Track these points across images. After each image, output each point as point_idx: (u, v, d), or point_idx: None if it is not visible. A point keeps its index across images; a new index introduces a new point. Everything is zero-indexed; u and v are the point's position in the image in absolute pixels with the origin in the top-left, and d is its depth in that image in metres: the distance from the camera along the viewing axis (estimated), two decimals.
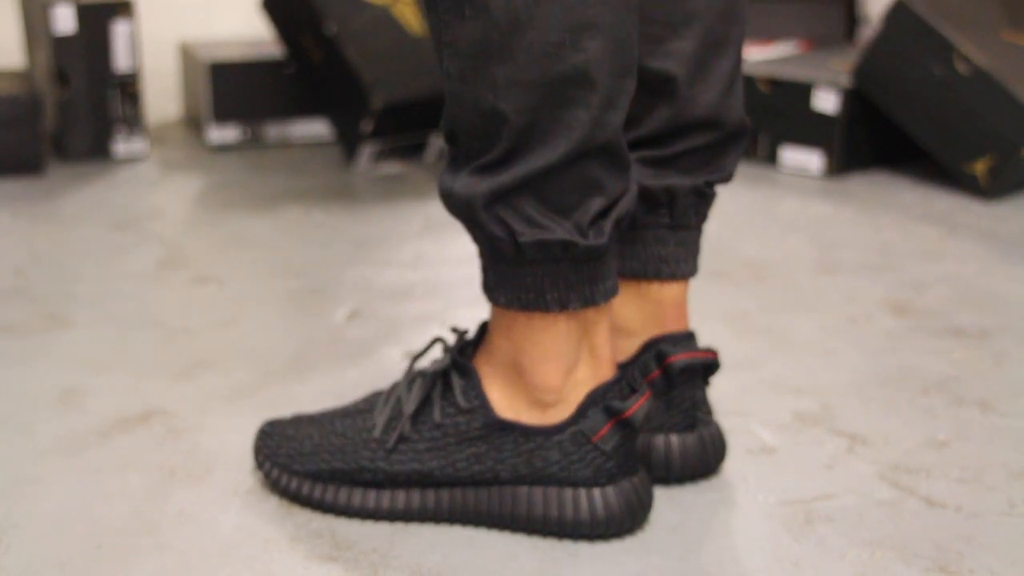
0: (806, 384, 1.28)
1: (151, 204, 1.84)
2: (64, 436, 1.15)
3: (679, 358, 1.06)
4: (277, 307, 1.46)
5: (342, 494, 1.02)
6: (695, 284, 1.54)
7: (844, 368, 1.32)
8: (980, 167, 1.87)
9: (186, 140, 2.18)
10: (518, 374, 0.98)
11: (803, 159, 2.02)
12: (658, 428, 1.07)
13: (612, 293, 0.96)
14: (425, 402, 1.01)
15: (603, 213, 0.93)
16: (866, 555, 0.98)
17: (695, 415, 1.08)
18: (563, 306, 0.94)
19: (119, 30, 2.00)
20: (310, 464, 1.03)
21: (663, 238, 1.06)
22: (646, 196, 1.05)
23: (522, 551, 0.98)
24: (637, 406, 0.97)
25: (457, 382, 1.00)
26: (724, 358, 1.32)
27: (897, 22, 1.92)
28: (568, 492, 0.98)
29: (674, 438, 1.07)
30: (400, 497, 1.01)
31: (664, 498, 1.06)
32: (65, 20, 1.97)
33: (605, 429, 0.97)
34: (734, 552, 0.99)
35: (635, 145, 1.05)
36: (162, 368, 1.30)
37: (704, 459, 1.08)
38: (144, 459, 1.11)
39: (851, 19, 2.45)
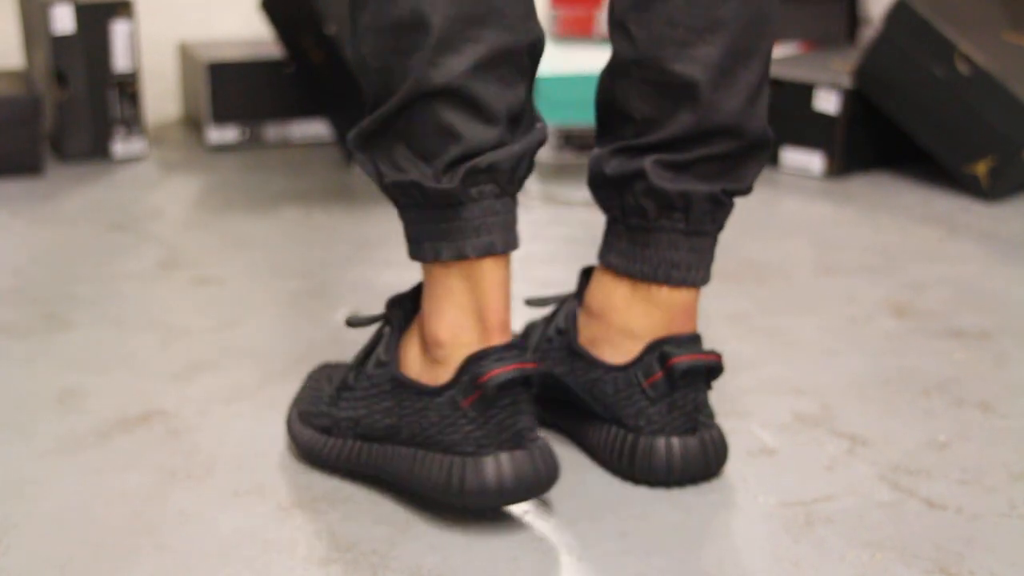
0: (806, 385, 1.28)
1: (150, 204, 1.84)
2: (64, 436, 1.15)
3: (682, 359, 1.06)
4: (277, 307, 1.46)
5: (306, 433, 1.09)
6: None
7: (844, 369, 1.32)
8: (981, 168, 1.87)
9: (185, 140, 2.18)
10: (421, 328, 1.02)
11: (804, 160, 2.02)
12: (659, 430, 1.07)
13: (488, 249, 0.97)
14: (369, 353, 1.06)
15: (459, 159, 0.96)
16: (866, 556, 0.98)
17: (697, 418, 1.07)
18: (436, 255, 0.98)
19: (118, 30, 2.00)
20: (301, 405, 1.12)
21: (676, 243, 1.06)
22: (662, 200, 1.05)
23: (522, 552, 0.98)
24: (494, 372, 0.96)
25: (384, 335, 1.04)
26: (724, 359, 1.32)
27: (898, 22, 1.92)
28: (443, 458, 0.99)
29: (675, 441, 1.07)
30: (339, 445, 1.06)
31: (664, 499, 1.06)
32: (64, 20, 1.97)
33: (473, 396, 0.97)
34: (734, 553, 0.99)
35: (655, 148, 1.05)
36: (162, 368, 1.29)
37: (705, 462, 1.07)
38: (144, 459, 1.11)
39: (852, 20, 2.45)
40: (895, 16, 1.92)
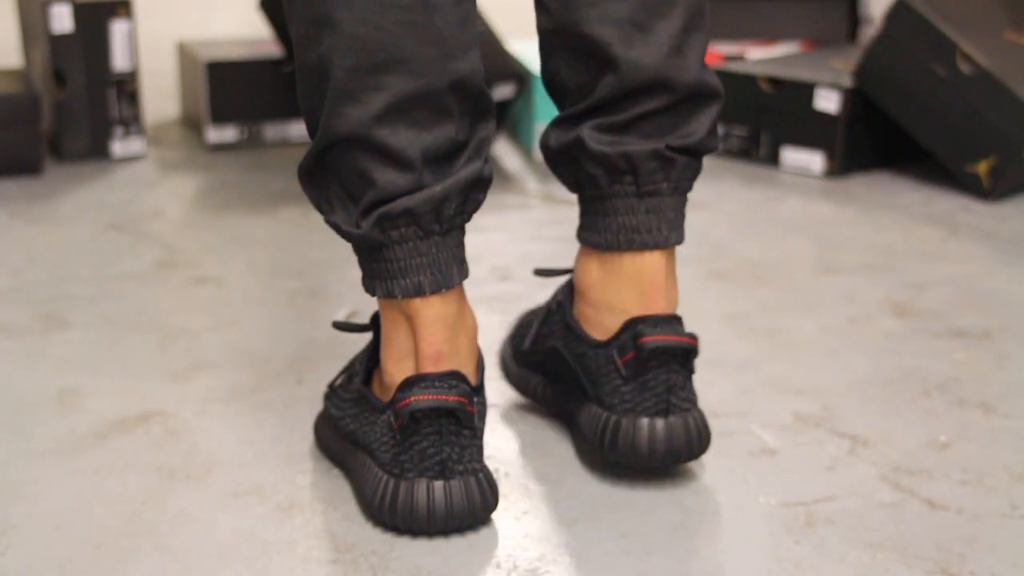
0: (807, 385, 1.27)
1: (149, 204, 1.84)
2: (62, 437, 1.15)
3: (652, 339, 1.04)
4: (276, 308, 1.46)
5: (320, 429, 1.13)
6: (695, 284, 1.53)
7: (845, 369, 1.31)
8: (982, 167, 1.87)
9: (184, 140, 2.18)
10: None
11: (804, 159, 2.02)
12: (631, 410, 1.05)
13: (416, 290, 0.98)
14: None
15: (374, 205, 0.97)
16: (867, 557, 0.98)
17: (668, 400, 1.05)
18: (372, 292, 1.01)
19: (117, 29, 2.00)
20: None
21: (632, 207, 1.05)
22: (606, 164, 1.05)
23: (522, 552, 0.98)
24: (410, 400, 0.97)
25: (367, 346, 1.08)
26: (724, 359, 1.32)
27: (899, 22, 1.92)
28: (378, 473, 1.01)
29: (644, 421, 1.04)
30: (334, 442, 1.10)
31: (664, 499, 1.06)
32: (63, 19, 1.96)
33: (399, 421, 0.99)
34: (734, 554, 0.99)
35: (590, 113, 1.05)
36: (160, 369, 1.29)
37: (676, 445, 1.05)
38: (143, 460, 1.11)
39: (853, 19, 2.45)
40: (896, 15, 1.92)
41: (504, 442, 1.15)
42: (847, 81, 1.97)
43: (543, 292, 1.48)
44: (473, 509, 0.99)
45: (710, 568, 0.97)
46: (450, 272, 1.00)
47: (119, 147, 2.04)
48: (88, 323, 1.40)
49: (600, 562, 0.97)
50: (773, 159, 2.05)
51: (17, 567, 0.95)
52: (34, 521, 1.01)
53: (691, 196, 1.90)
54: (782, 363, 1.33)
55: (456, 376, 0.99)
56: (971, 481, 1.09)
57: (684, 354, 1.05)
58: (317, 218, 1.77)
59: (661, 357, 1.04)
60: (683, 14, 1.03)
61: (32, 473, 1.09)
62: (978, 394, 1.26)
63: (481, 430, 1.01)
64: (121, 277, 1.54)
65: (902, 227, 1.77)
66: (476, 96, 0.99)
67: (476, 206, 1.01)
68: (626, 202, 1.05)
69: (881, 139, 2.03)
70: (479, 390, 1.02)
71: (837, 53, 2.18)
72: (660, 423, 1.04)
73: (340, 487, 1.07)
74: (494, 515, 1.03)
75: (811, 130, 2.00)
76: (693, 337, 1.06)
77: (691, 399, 1.07)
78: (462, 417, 0.98)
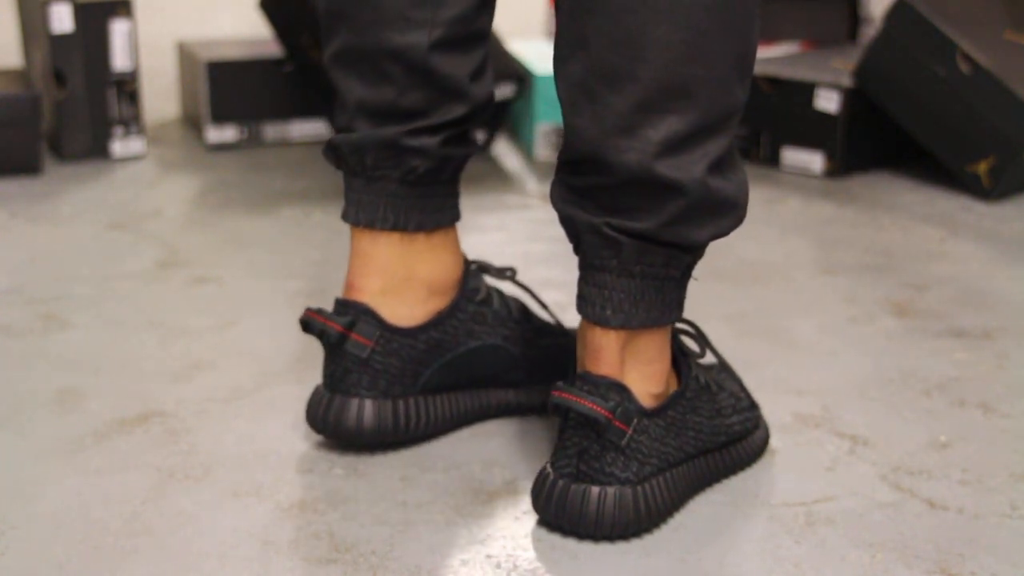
0: (807, 385, 1.27)
1: (149, 204, 1.83)
2: (62, 437, 1.15)
3: (558, 394, 0.98)
4: (276, 308, 1.46)
5: None
6: (695, 284, 1.53)
7: (845, 369, 1.31)
8: (982, 167, 1.87)
9: (184, 140, 2.18)
10: None
11: (804, 159, 2.02)
12: (552, 463, 1.01)
13: (343, 215, 1.11)
14: None
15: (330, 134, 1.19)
16: (867, 557, 0.98)
17: (578, 465, 0.98)
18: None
19: (117, 29, 2.00)
20: None
21: (583, 274, 1.00)
22: (561, 222, 1.01)
23: (521, 551, 0.98)
24: (304, 315, 1.11)
25: None
26: (724, 358, 1.32)
27: (899, 21, 1.92)
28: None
29: (553, 478, 1.00)
30: None
31: None
32: (63, 19, 1.96)
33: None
34: (734, 553, 0.99)
35: (560, 167, 1.01)
36: (160, 369, 1.29)
37: (579, 520, 0.98)
38: (142, 460, 1.11)
39: (853, 19, 2.45)
40: (896, 15, 1.92)
41: (504, 443, 1.15)
42: (847, 81, 1.97)
43: (541, 292, 1.48)
44: (336, 426, 1.11)
45: (710, 568, 0.97)
46: (376, 214, 1.09)
47: (119, 147, 2.04)
48: (88, 323, 1.40)
49: (600, 562, 0.97)
50: (773, 159, 2.05)
51: (17, 567, 0.95)
52: (34, 521, 1.01)
53: None
54: (782, 363, 1.33)
55: (350, 306, 1.10)
56: (971, 481, 1.09)
57: (594, 423, 0.96)
58: (317, 218, 1.77)
59: (576, 418, 0.98)
60: (642, 91, 0.92)
61: (32, 473, 1.09)
62: (978, 394, 1.26)
63: (361, 360, 1.10)
64: (121, 277, 1.54)
65: (902, 227, 1.77)
66: (424, 72, 1.05)
67: (410, 171, 1.08)
68: (581, 266, 1.01)
69: (881, 139, 2.03)
70: (359, 319, 1.10)
71: (837, 53, 2.18)
72: (560, 485, 0.99)
73: (340, 487, 1.07)
74: (494, 515, 1.03)
75: (811, 130, 2.00)
76: (606, 410, 0.96)
77: (609, 472, 0.98)
78: (332, 341, 1.09)
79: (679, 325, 1.08)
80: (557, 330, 1.21)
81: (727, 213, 0.97)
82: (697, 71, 0.92)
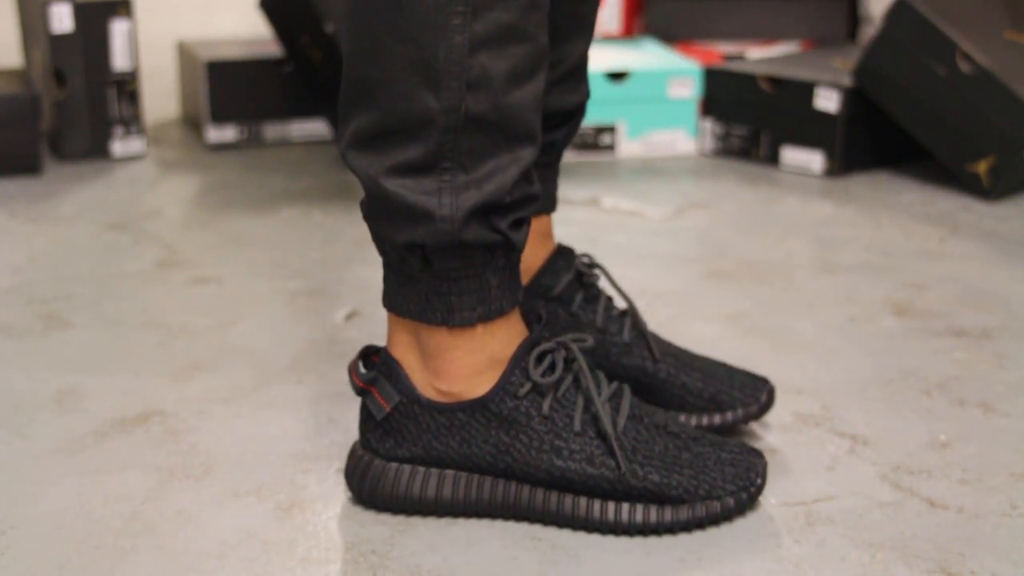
0: (807, 385, 1.27)
1: (149, 204, 1.83)
2: (62, 437, 1.15)
3: (353, 361, 1.08)
4: (276, 307, 1.46)
5: None
6: (695, 284, 1.53)
7: (845, 369, 1.31)
8: (982, 167, 1.87)
9: (184, 140, 2.18)
10: None
11: (804, 159, 2.02)
12: None
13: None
14: None
15: None
16: (867, 557, 0.98)
17: (361, 431, 1.07)
18: None
19: (117, 29, 2.00)
20: None
21: None
22: None
23: (521, 552, 0.98)
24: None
25: None
26: (724, 359, 1.32)
27: (899, 21, 1.92)
28: None
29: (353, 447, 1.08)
30: None
31: None
32: (63, 19, 1.96)
33: None
34: (735, 553, 0.98)
35: None
36: (160, 369, 1.29)
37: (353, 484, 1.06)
38: (142, 460, 1.11)
39: (853, 18, 2.45)
40: (896, 15, 1.92)
41: None
42: (847, 81, 1.97)
43: None
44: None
45: (710, 568, 0.97)
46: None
47: (119, 147, 2.04)
48: (88, 323, 1.40)
49: (600, 562, 0.97)
50: (773, 159, 2.05)
51: (17, 567, 0.95)
52: (33, 521, 1.01)
53: (691, 196, 1.90)
54: (782, 363, 1.33)
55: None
56: (971, 481, 1.09)
57: (359, 392, 1.04)
58: (317, 218, 1.77)
59: None
60: (345, 85, 0.97)
61: (32, 473, 1.09)
62: (978, 394, 1.26)
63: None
64: (121, 277, 1.54)
65: (902, 226, 1.77)
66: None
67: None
68: None
69: (881, 139, 2.03)
70: None
71: (837, 53, 2.18)
72: (351, 449, 1.07)
73: (340, 487, 1.07)
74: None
75: (811, 130, 2.00)
76: (365, 383, 1.03)
77: (366, 440, 1.04)
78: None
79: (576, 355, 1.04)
80: (647, 355, 1.16)
81: (419, 222, 0.95)
82: (373, 73, 0.93)
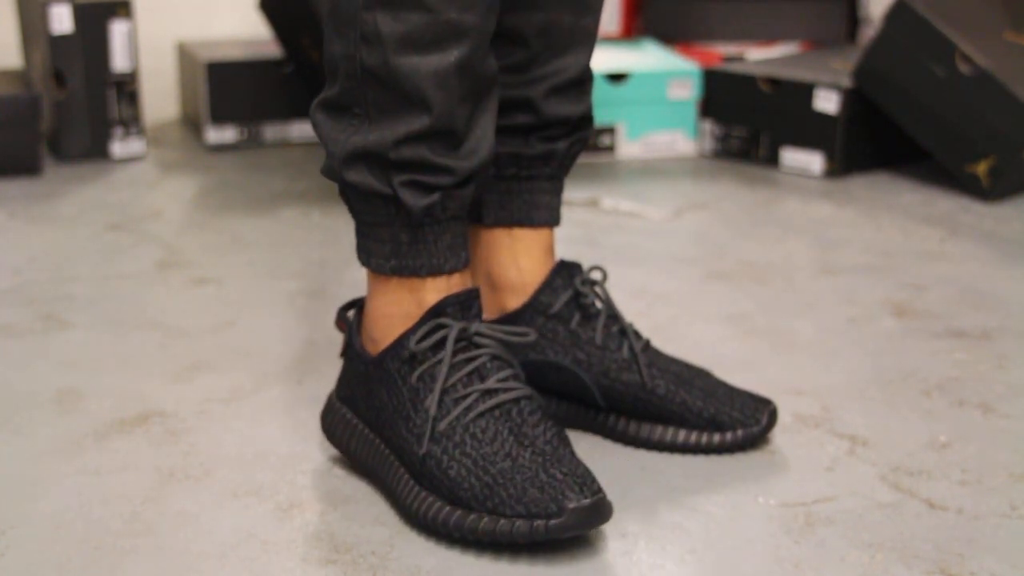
0: (806, 385, 1.27)
1: (149, 205, 1.83)
2: (62, 437, 1.15)
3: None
4: (276, 308, 1.46)
5: None
6: (695, 284, 1.53)
7: (845, 369, 1.31)
8: (982, 168, 1.87)
9: (184, 140, 2.18)
10: None
11: (804, 160, 2.02)
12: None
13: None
14: None
15: None
16: (867, 557, 0.98)
17: None
18: None
19: (117, 30, 2.00)
20: None
21: None
22: None
23: (522, 551, 0.98)
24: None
25: None
26: (724, 359, 1.32)
27: (898, 22, 1.92)
28: None
29: None
30: None
31: (665, 499, 1.06)
32: (62, 20, 1.96)
33: None
34: (734, 553, 0.99)
35: None
36: (160, 369, 1.29)
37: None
38: (142, 460, 1.11)
39: (852, 19, 2.45)
40: (895, 16, 1.92)
41: None
42: (847, 81, 1.97)
43: None
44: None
45: (710, 568, 0.97)
46: None
47: (119, 147, 2.04)
48: (87, 323, 1.40)
49: (600, 562, 0.97)
50: (773, 159, 2.05)
51: (17, 567, 0.95)
52: (33, 521, 1.01)
53: (690, 197, 1.91)
54: (782, 363, 1.33)
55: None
56: (971, 481, 1.09)
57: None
58: (317, 218, 1.77)
59: None
60: None
61: (31, 473, 1.09)
62: (978, 394, 1.26)
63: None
64: (120, 277, 1.54)
65: (901, 227, 1.77)
66: None
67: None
68: None
69: (881, 139, 2.03)
70: None
71: (837, 53, 2.18)
72: None
73: (340, 487, 1.07)
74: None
75: (810, 130, 2.00)
76: (341, 323, 1.11)
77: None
78: None
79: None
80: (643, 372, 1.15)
81: (328, 156, 1.05)
82: (323, 23, 1.05)
